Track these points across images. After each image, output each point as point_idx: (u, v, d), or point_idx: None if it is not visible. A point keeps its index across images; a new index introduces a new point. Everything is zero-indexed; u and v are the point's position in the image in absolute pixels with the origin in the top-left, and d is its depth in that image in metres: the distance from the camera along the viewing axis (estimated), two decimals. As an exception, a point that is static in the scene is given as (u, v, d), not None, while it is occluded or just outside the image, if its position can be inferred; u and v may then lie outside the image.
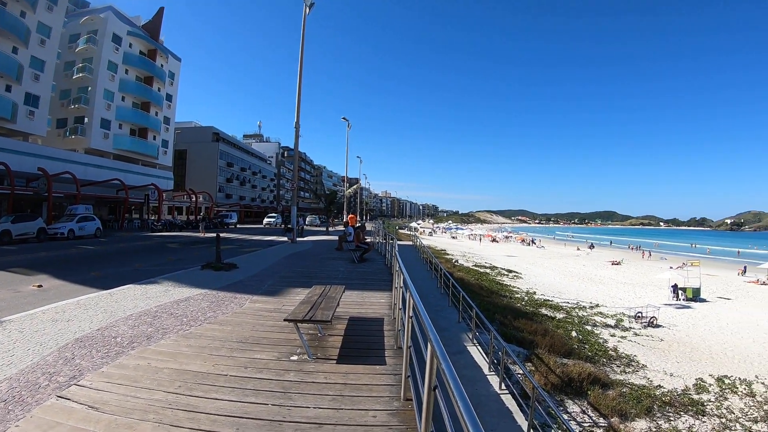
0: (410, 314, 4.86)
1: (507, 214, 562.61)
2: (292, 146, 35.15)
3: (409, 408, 4.90)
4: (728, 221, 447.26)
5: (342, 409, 4.86)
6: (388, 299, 10.93)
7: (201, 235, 42.07)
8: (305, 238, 35.74)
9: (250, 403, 4.88)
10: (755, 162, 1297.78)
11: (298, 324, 6.82)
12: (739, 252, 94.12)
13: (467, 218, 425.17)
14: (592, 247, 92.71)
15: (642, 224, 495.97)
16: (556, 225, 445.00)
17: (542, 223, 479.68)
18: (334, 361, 6.47)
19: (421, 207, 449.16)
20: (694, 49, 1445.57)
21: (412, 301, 4.69)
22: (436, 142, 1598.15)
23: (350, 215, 28.27)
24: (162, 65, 65.86)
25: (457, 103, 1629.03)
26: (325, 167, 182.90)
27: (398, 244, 14.53)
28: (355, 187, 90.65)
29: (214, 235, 18.88)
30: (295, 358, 6.51)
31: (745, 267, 54.20)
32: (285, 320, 7.04)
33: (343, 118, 66.33)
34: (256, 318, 8.96)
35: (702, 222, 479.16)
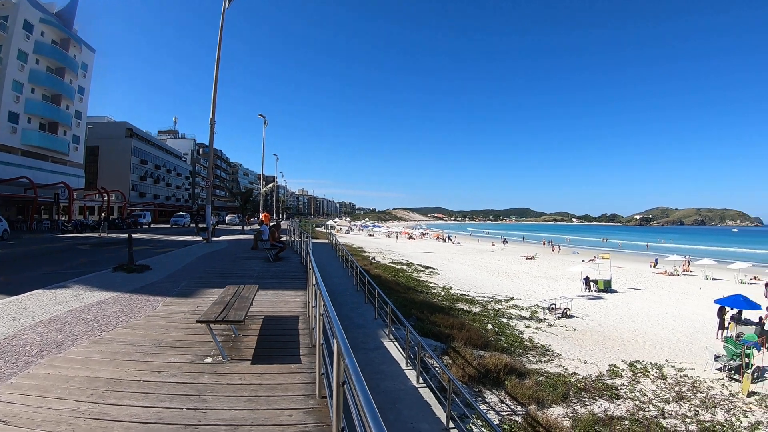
0: (321, 312, 5.00)
1: (423, 211, 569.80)
2: (207, 143, 34.32)
3: (324, 405, 5.03)
4: (638, 217, 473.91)
5: (258, 409, 4.94)
6: (303, 297, 11.05)
7: (103, 235, 40.25)
8: (220, 238, 35.14)
9: (164, 408, 4.89)
10: (664, 160, 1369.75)
11: (211, 325, 6.84)
12: (648, 246, 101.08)
13: (384, 216, 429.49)
14: (505, 242, 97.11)
15: (555, 220, 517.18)
16: (472, 221, 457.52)
17: (458, 220, 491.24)
18: (249, 362, 6.53)
19: (338, 205, 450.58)
20: (600, 43, 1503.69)
21: (323, 299, 4.84)
22: (353, 140, 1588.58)
23: (264, 213, 27.99)
24: (75, 56, 62.67)
25: (375, 102, 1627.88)
26: (241, 165, 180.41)
27: (314, 243, 14.66)
28: (271, 185, 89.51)
29: (122, 236, 18.38)
30: (209, 360, 6.53)
31: (656, 259, 57.27)
32: (197, 321, 7.03)
33: (260, 115, 65.58)
34: (170, 320, 8.88)
35: (613, 218, 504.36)
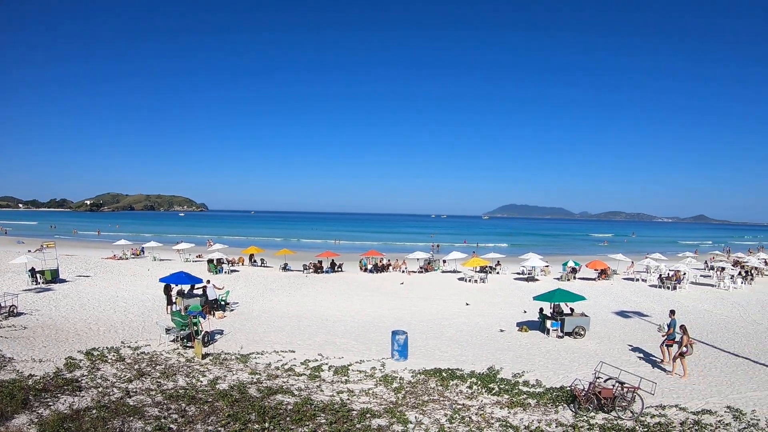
0: None
1: None
2: None
3: None
4: (88, 202, 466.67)
5: None
6: None
7: None
8: None
9: None
10: (61, 148, 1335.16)
11: None
12: (75, 231, 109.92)
13: None
14: None
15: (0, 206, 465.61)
16: None
17: None
18: None
19: None
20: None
21: None
22: None
23: None
24: None
25: None
26: None
27: None
28: None
29: None
30: None
31: (142, 247, 59.98)
32: None
33: None
34: None
35: (63, 203, 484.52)
